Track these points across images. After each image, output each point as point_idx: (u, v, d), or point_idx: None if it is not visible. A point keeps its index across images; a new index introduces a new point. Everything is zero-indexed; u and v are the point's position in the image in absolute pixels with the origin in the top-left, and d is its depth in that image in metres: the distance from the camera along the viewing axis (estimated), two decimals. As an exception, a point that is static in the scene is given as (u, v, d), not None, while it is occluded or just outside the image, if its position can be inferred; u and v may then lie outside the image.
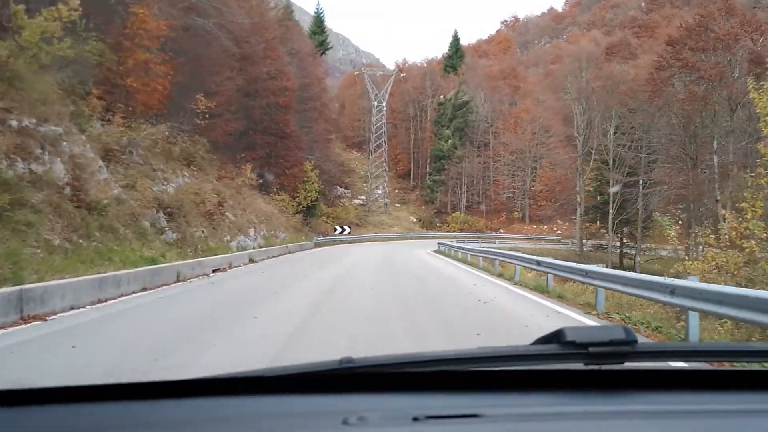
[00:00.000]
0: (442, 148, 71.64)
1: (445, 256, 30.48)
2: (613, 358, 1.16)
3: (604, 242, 50.03)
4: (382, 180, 75.85)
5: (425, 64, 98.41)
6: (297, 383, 1.20)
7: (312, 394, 1.17)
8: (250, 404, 1.15)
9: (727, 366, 2.23)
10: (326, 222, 53.62)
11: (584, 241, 47.16)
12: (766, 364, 2.87)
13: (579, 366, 1.18)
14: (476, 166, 71.69)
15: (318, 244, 39.51)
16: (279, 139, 40.70)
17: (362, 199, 76.89)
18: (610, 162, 43.87)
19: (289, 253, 29.87)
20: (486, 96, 77.51)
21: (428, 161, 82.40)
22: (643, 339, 2.01)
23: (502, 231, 69.34)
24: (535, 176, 70.84)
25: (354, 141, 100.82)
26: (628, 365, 1.19)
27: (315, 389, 1.18)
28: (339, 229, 46.75)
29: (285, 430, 1.06)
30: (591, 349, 1.13)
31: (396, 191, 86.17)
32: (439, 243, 38.56)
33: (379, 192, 75.73)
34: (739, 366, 2.75)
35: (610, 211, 43.61)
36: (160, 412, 1.13)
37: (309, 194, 44.30)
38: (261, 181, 35.44)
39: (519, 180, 71.30)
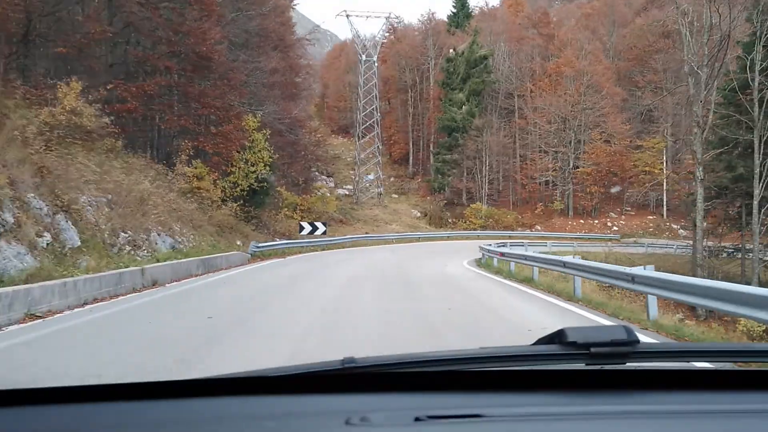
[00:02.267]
0: (454, 116, 54.38)
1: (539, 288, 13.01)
2: (615, 359, 1.17)
3: (728, 244, 32.73)
4: (375, 162, 58.26)
5: (424, 24, 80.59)
6: (299, 383, 1.21)
7: (314, 394, 1.18)
8: (252, 404, 1.15)
9: (729, 366, 1.92)
10: (291, 217, 36.04)
11: (703, 242, 29.55)
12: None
13: (581, 366, 1.19)
14: (500, 140, 54.17)
15: (260, 256, 21.98)
16: (193, 68, 23.21)
17: (348, 189, 59.49)
18: (756, 108, 26.51)
19: (194, 277, 13.18)
20: (509, 50, 60.11)
21: (432, 141, 65.23)
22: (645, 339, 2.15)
23: (539, 228, 52.06)
24: (579, 154, 53.48)
25: (340, 125, 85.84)
26: (630, 365, 1.20)
27: (317, 389, 1.19)
28: (308, 228, 29.29)
29: (287, 431, 1.08)
30: (593, 349, 1.14)
31: (391, 179, 69.37)
32: (484, 249, 21.86)
33: (370, 178, 58.21)
34: (742, 366, 2.26)
35: (757, 192, 26.29)
36: (161, 412, 1.13)
37: (253, 170, 26.72)
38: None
39: (559, 159, 53.85)
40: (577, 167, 53.41)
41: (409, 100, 74.67)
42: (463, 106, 55.04)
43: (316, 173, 62.31)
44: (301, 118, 47.17)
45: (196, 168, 23.40)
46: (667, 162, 54.22)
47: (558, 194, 54.94)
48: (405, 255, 26.63)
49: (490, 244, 24.60)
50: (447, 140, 55.96)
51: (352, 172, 65.75)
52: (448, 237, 44.66)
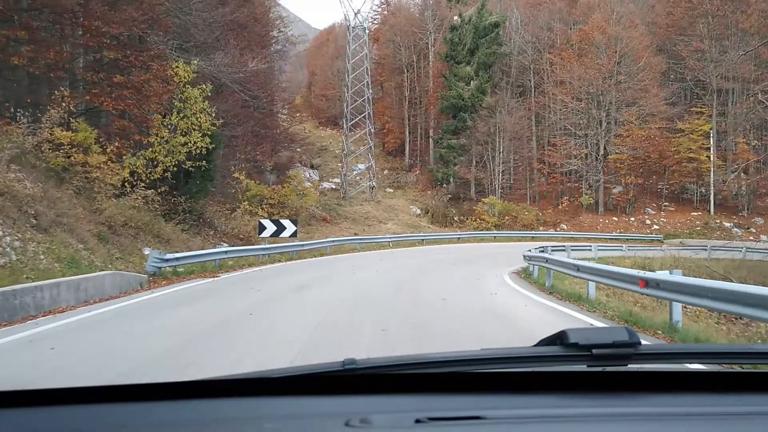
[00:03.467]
0: (461, 93, 45.90)
1: None
2: (617, 360, 1.18)
3: None
4: (366, 149, 49.75)
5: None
6: (300, 385, 1.22)
7: (315, 396, 1.19)
8: (253, 405, 1.17)
9: (730, 368, 1.83)
10: (256, 213, 27.35)
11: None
12: None
13: (582, 368, 1.20)
14: (516, 121, 45.63)
15: (173, 275, 13.03)
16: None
17: (336, 183, 51.01)
18: None
19: None
20: (524, 19, 51.64)
21: (432, 127, 56.89)
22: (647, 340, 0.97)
23: (564, 227, 43.73)
24: (611, 138, 45.09)
25: (329, 115, 78.60)
26: (632, 367, 1.21)
27: (318, 391, 1.20)
28: (271, 228, 20.80)
29: None
30: (594, 351, 1.15)
31: (385, 172, 61.15)
32: (531, 257, 12.99)
33: (361, 168, 49.78)
34: (745, 368, 2.02)
35: None
36: (162, 413, 1.14)
37: (183, 144, 18.00)
38: None
39: (588, 143, 45.40)
40: (609, 154, 44.91)
41: (405, 82, 66.26)
42: (472, 82, 46.53)
43: (299, 165, 53.77)
44: (277, 94, 38.62)
45: (78, 131, 14.73)
46: (713, 148, 45.97)
47: (586, 186, 46.39)
48: (410, 266, 18.18)
49: (531, 250, 16.83)
50: (452, 122, 47.38)
51: (340, 164, 57.25)
52: (458, 239, 36.14)
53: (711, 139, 45.84)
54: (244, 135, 26.32)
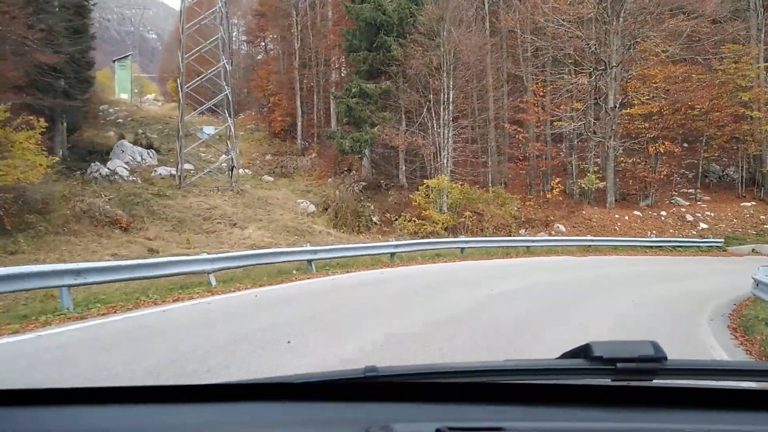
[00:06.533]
0: (381, 3, 27.14)
1: None
2: (642, 375, 1.18)
3: None
4: (224, 126, 30.12)
5: None
6: (321, 391, 1.23)
7: (335, 402, 1.19)
8: (274, 410, 1.18)
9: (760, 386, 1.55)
10: None
11: None
12: None
13: (606, 382, 1.20)
14: (476, 50, 27.65)
15: None
16: None
17: (186, 169, 31.08)
18: None
19: None
20: None
21: (337, 83, 38.73)
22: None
23: (562, 228, 26.05)
24: (626, 79, 28.20)
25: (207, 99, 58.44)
26: (657, 382, 1.21)
27: (339, 397, 1.20)
28: None
29: None
30: (619, 365, 1.16)
31: (267, 157, 42.87)
32: None
33: (209, 132, 30.31)
34: None
35: None
36: (182, 416, 1.15)
37: None
38: None
39: (591, 89, 28.10)
40: (624, 106, 27.84)
41: (294, 27, 47.26)
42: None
43: (125, 142, 33.53)
44: None
45: None
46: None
47: (590, 161, 28.99)
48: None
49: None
50: (368, 55, 28.61)
51: (204, 150, 37.39)
52: (422, 253, 17.41)
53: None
54: None
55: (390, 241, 17.32)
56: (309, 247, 14.01)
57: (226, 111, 29.55)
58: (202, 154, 39.19)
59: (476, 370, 1.29)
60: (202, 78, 29.87)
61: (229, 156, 29.53)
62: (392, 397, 1.19)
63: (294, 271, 13.80)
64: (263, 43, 63.42)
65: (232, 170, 29.71)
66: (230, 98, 29.22)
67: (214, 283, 11.02)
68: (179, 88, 29.97)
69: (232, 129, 29.37)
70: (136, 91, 70.78)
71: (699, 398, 1.22)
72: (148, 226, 20.97)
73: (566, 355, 1.26)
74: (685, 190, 31.89)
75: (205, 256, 11.24)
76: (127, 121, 50.25)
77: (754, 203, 30.59)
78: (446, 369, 1.31)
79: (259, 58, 65.48)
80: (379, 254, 16.63)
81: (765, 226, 28.18)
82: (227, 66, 29.36)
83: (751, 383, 1.46)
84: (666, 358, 1.18)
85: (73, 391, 1.16)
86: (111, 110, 54.04)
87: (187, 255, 13.38)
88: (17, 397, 1.15)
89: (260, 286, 11.34)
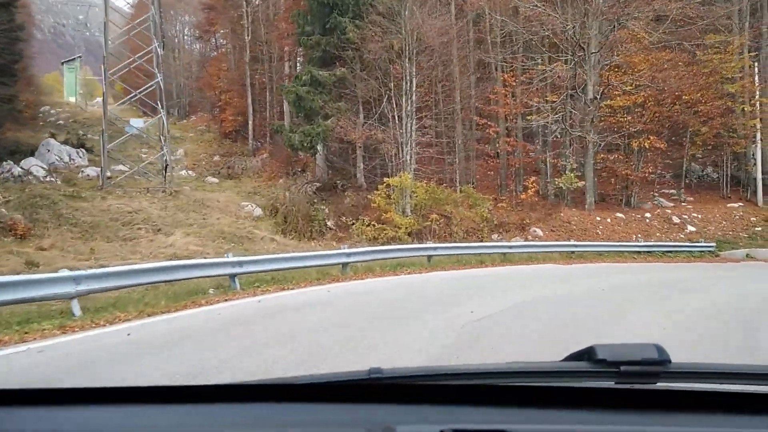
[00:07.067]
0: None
1: None
2: (645, 378, 1.19)
3: None
4: (158, 121, 26.67)
5: None
6: (324, 392, 1.22)
7: (339, 404, 1.18)
8: (278, 411, 1.17)
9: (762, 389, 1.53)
10: None
11: None
12: None
13: (610, 384, 1.20)
14: (442, 33, 24.83)
15: None
16: None
17: (117, 170, 27.42)
18: None
19: None
20: None
21: (288, 76, 35.81)
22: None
23: (539, 232, 23.26)
24: (607, 66, 25.70)
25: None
26: (661, 385, 1.21)
27: (342, 399, 1.19)
28: None
29: None
30: (623, 367, 1.16)
31: (215, 158, 39.64)
32: None
33: (139, 125, 26.73)
34: None
35: None
36: (187, 415, 1.14)
37: None
38: None
39: (567, 80, 25.51)
40: (604, 97, 25.28)
41: (245, 18, 44.04)
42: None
43: (51, 141, 29.67)
44: None
45: None
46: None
47: (568, 157, 26.26)
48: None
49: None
50: (320, 39, 25.39)
51: (144, 150, 33.59)
52: (382, 262, 14.30)
53: (756, 73, 28.02)
54: None
55: (343, 248, 14.09)
56: (232, 258, 10.69)
57: (158, 102, 25.94)
58: (143, 155, 35.40)
59: (480, 372, 1.30)
60: (130, 64, 26.21)
61: (162, 153, 25.91)
62: (395, 398, 1.18)
63: (210, 291, 10.50)
64: (213, 39, 59.67)
65: (165, 169, 26.09)
66: (162, 86, 25.65)
67: (78, 312, 7.68)
68: (103, 76, 26.23)
69: (165, 121, 25.76)
70: (81, 92, 66.45)
71: (703, 401, 1.20)
72: (51, 232, 17.36)
73: (570, 358, 1.25)
74: (666, 191, 29.55)
75: (66, 273, 7.87)
76: (68, 123, 46.35)
77: (741, 204, 28.40)
78: (450, 371, 1.32)
79: (213, 55, 61.91)
80: (327, 265, 13.40)
81: (756, 229, 25.93)
82: (159, 50, 25.77)
83: (755, 386, 1.37)
84: (670, 361, 1.18)
85: (77, 392, 1.16)
86: (53, 111, 50.13)
87: (72, 269, 9.94)
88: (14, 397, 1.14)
89: (149, 315, 8.02)
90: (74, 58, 69.61)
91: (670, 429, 1.13)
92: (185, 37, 72.72)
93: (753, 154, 28.70)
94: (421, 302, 9.57)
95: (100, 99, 71.20)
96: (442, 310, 8.67)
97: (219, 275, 10.74)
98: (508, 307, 9.00)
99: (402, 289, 11.41)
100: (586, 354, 1.21)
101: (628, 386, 1.19)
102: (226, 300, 9.57)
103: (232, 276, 10.68)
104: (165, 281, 10.05)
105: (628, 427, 1.12)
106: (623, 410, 1.16)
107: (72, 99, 61.36)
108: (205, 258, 12.18)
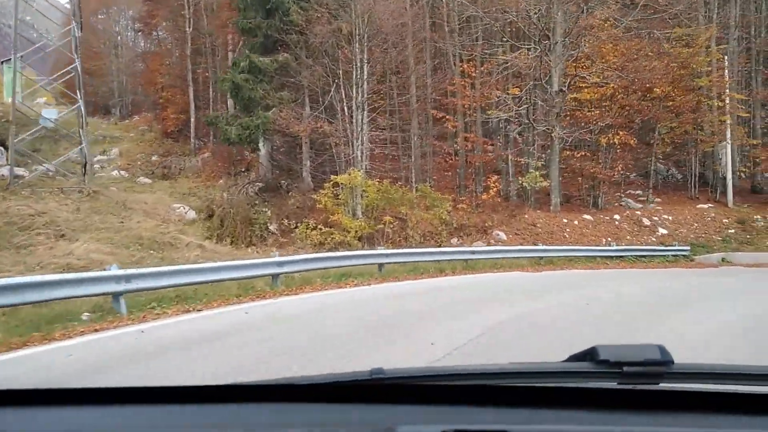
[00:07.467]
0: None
1: None
2: (648, 378, 1.18)
3: None
4: (73, 111, 23.68)
5: None
6: (327, 393, 1.21)
7: (341, 404, 1.18)
8: (280, 411, 1.16)
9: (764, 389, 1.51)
10: None
11: None
12: None
13: (612, 385, 1.19)
14: (395, 17, 22.61)
15: None
16: None
17: (31, 170, 24.25)
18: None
19: None
20: None
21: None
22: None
23: (502, 235, 21.15)
24: (575, 56, 23.85)
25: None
26: (663, 386, 1.20)
27: (344, 399, 1.19)
28: None
29: None
30: (625, 368, 1.15)
31: (153, 158, 36.59)
32: None
33: (53, 116, 23.61)
34: None
35: None
36: (190, 416, 1.14)
37: None
38: None
39: (531, 69, 23.59)
40: (572, 90, 23.42)
41: (186, 8, 41.08)
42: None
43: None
44: None
45: None
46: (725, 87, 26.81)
47: (532, 156, 24.27)
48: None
49: None
50: (261, 22, 22.83)
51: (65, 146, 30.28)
52: (323, 272, 11.70)
53: (726, 68, 26.65)
54: None
55: (273, 255, 11.60)
56: (117, 271, 8.11)
57: (77, 92, 22.90)
58: (64, 151, 32.00)
59: (482, 372, 1.30)
60: (44, 47, 23.09)
61: (81, 147, 22.87)
62: (397, 399, 1.17)
63: (84, 316, 7.90)
64: (155, 32, 56.11)
65: (85, 167, 23.05)
66: (80, 71, 22.65)
67: None
68: (13, 60, 23.07)
69: (83, 112, 22.74)
70: (18, 91, 61.97)
71: (706, 402, 1.19)
72: None
73: (572, 358, 1.26)
74: (633, 192, 27.96)
75: None
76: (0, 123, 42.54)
77: (711, 205, 26.98)
78: (452, 371, 1.31)
79: (155, 50, 58.45)
80: (252, 277, 10.88)
81: (730, 231, 24.48)
82: (76, 31, 22.76)
83: (758, 387, 1.35)
84: (673, 362, 1.16)
85: (73, 392, 1.15)
86: (-14, 112, 46.02)
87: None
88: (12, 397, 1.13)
89: None
90: (10, 59, 65.44)
91: (673, 430, 1.12)
92: (129, 34, 68.92)
93: (720, 154, 27.38)
94: (369, 331, 7.19)
95: (43, 99, 67.04)
96: (394, 342, 6.34)
97: (98, 294, 8.14)
98: (478, 335, 6.75)
99: (346, 310, 9.01)
100: (589, 354, 1.19)
101: (630, 387, 1.18)
102: (96, 330, 6.99)
103: (116, 295, 8.08)
104: (20, 304, 7.42)
105: (631, 428, 1.10)
106: (626, 411, 1.14)
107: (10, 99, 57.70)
108: (86, 272, 9.50)
